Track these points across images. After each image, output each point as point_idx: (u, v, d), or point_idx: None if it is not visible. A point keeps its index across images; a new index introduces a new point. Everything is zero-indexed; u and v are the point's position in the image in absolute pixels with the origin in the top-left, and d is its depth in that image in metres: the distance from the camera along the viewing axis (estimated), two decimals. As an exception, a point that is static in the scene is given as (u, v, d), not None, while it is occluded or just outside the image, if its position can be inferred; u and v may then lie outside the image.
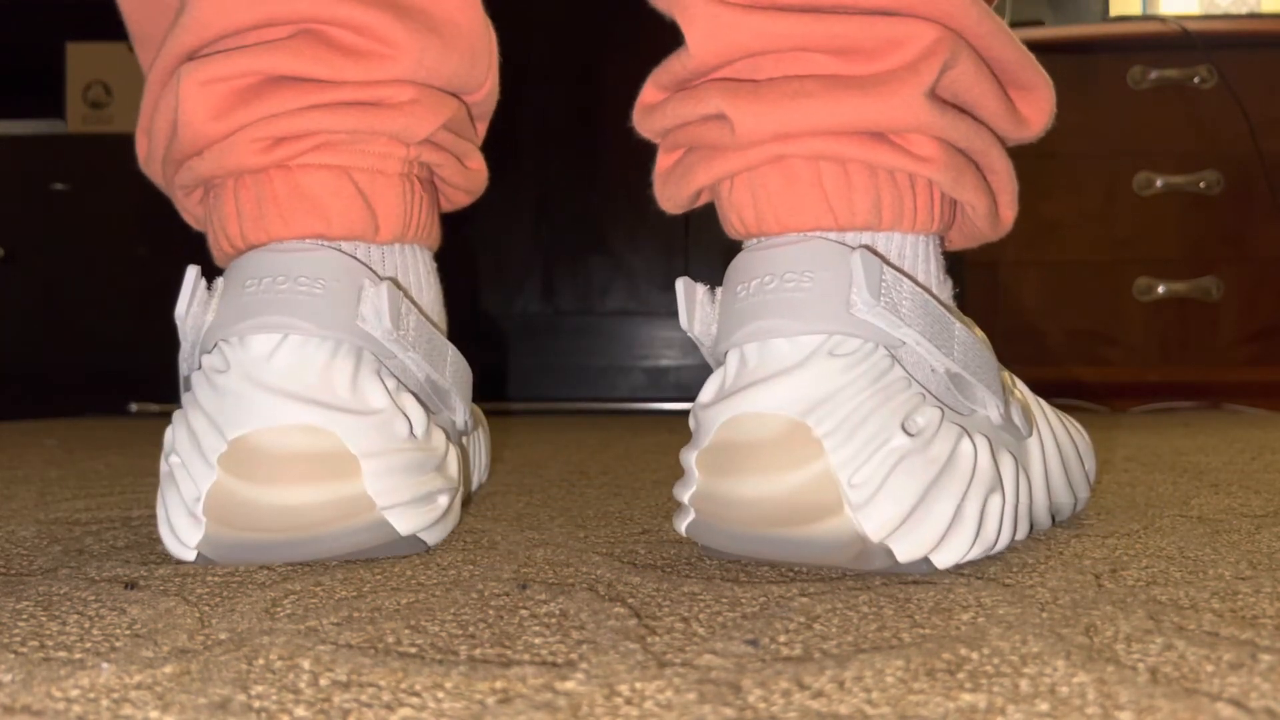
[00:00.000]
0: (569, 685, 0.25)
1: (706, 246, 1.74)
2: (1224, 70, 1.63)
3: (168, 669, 0.27)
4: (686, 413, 0.43)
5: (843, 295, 0.38)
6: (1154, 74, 1.64)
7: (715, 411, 0.39)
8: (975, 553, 0.38)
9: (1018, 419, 0.43)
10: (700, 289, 0.43)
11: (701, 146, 0.43)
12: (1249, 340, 1.67)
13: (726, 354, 0.40)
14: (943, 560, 0.38)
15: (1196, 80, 1.63)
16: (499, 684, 0.26)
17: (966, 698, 0.24)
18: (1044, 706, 0.24)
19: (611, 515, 0.53)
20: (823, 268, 0.39)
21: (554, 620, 0.32)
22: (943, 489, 0.37)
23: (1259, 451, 0.87)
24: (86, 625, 0.32)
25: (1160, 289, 1.62)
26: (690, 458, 0.41)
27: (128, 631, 0.31)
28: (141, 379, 1.88)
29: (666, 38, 0.45)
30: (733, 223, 0.43)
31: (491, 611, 0.33)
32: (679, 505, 0.43)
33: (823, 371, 0.37)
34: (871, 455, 0.37)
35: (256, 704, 0.24)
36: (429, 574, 0.39)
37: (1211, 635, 0.29)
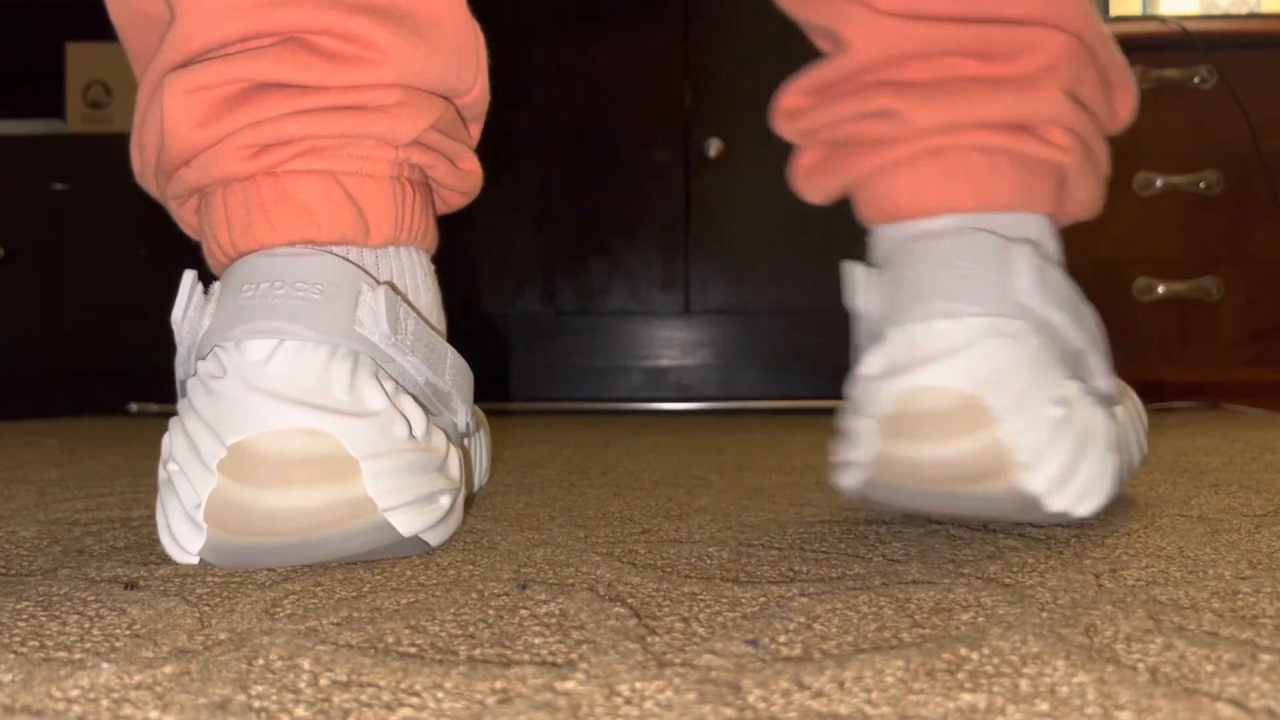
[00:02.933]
0: (569, 685, 0.25)
1: (707, 247, 1.74)
2: (1224, 70, 1.63)
3: (168, 669, 0.27)
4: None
5: (1003, 280, 0.44)
6: (1154, 74, 1.64)
7: (889, 384, 0.44)
8: (1102, 505, 0.44)
9: (1114, 387, 0.48)
10: (861, 269, 0.48)
11: (858, 142, 0.49)
12: (1249, 340, 1.67)
13: (891, 331, 0.45)
14: (1083, 511, 0.44)
15: (1196, 80, 1.64)
16: (499, 684, 0.26)
17: (966, 698, 0.24)
18: (1044, 706, 0.24)
19: (611, 515, 0.53)
20: (982, 256, 0.44)
21: (554, 620, 0.32)
22: (1086, 452, 0.43)
23: (1259, 451, 0.87)
24: (86, 625, 0.32)
25: (1160, 289, 1.62)
26: (863, 424, 0.45)
27: (128, 631, 0.31)
28: (141, 379, 1.88)
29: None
30: (886, 208, 0.49)
31: (491, 611, 0.33)
32: (846, 465, 0.47)
33: (990, 349, 0.43)
34: (1034, 423, 0.42)
35: (256, 704, 0.24)
36: (429, 574, 0.39)
37: (1211, 635, 0.29)
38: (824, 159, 0.51)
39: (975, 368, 0.42)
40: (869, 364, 0.45)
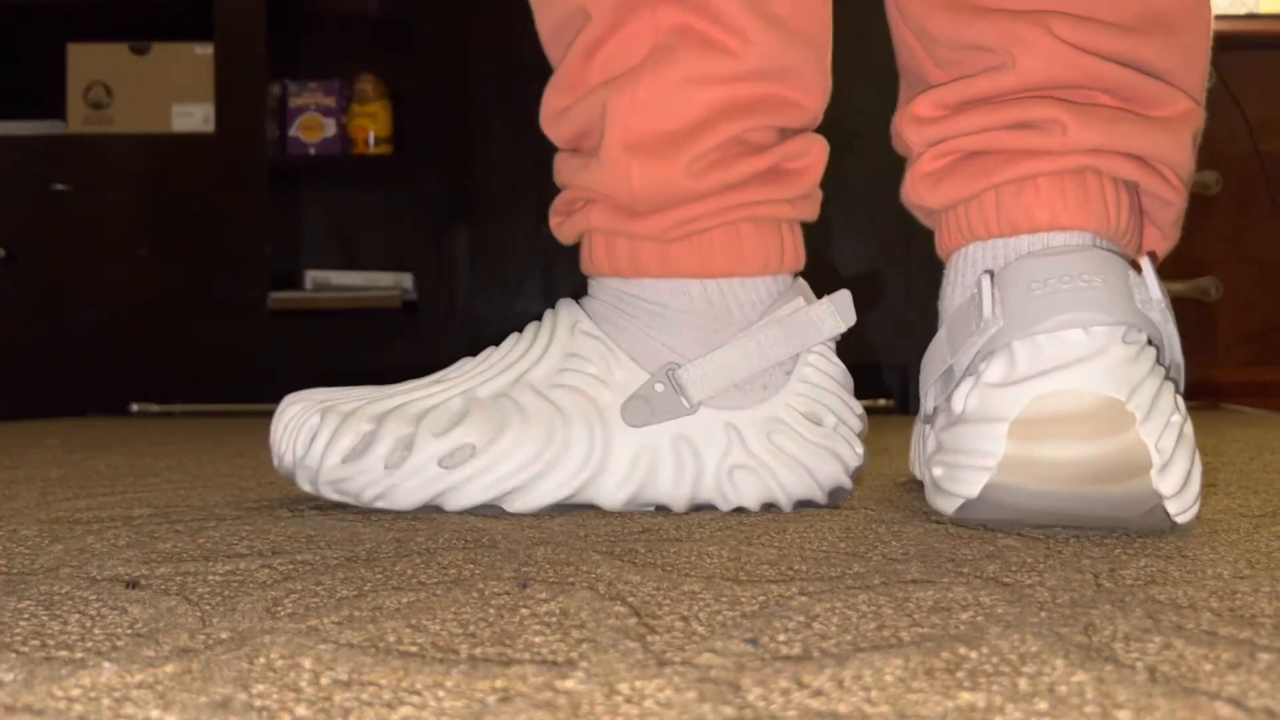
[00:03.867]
0: (569, 684, 0.26)
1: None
2: (1222, 71, 1.63)
3: (169, 668, 0.27)
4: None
5: (1127, 293, 0.47)
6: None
7: (1018, 390, 0.45)
8: (1197, 516, 0.48)
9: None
10: (988, 281, 0.49)
11: (1001, 150, 0.51)
12: (1247, 340, 1.67)
13: (1015, 343, 0.46)
14: (1187, 516, 0.46)
15: (1196, 81, 1.64)
16: (499, 683, 0.26)
17: (965, 696, 0.24)
18: (1043, 705, 0.24)
19: (611, 514, 0.53)
20: (1107, 269, 0.47)
21: (554, 619, 0.32)
22: (1195, 461, 0.46)
23: (1257, 451, 0.87)
24: (88, 624, 0.32)
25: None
26: (983, 430, 0.46)
27: (129, 630, 0.31)
28: (142, 379, 1.88)
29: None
30: (1017, 219, 0.51)
31: (492, 610, 0.33)
32: (955, 472, 0.47)
33: (1124, 356, 0.45)
34: (1165, 428, 0.44)
35: (258, 703, 0.24)
36: (429, 573, 0.39)
37: (1210, 634, 0.30)
38: (952, 165, 0.54)
39: (1113, 373, 0.44)
40: (990, 373, 0.46)
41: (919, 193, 0.55)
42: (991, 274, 0.49)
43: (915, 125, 0.55)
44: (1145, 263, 0.49)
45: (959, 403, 0.47)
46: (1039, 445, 0.45)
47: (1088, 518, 0.46)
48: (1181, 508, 0.45)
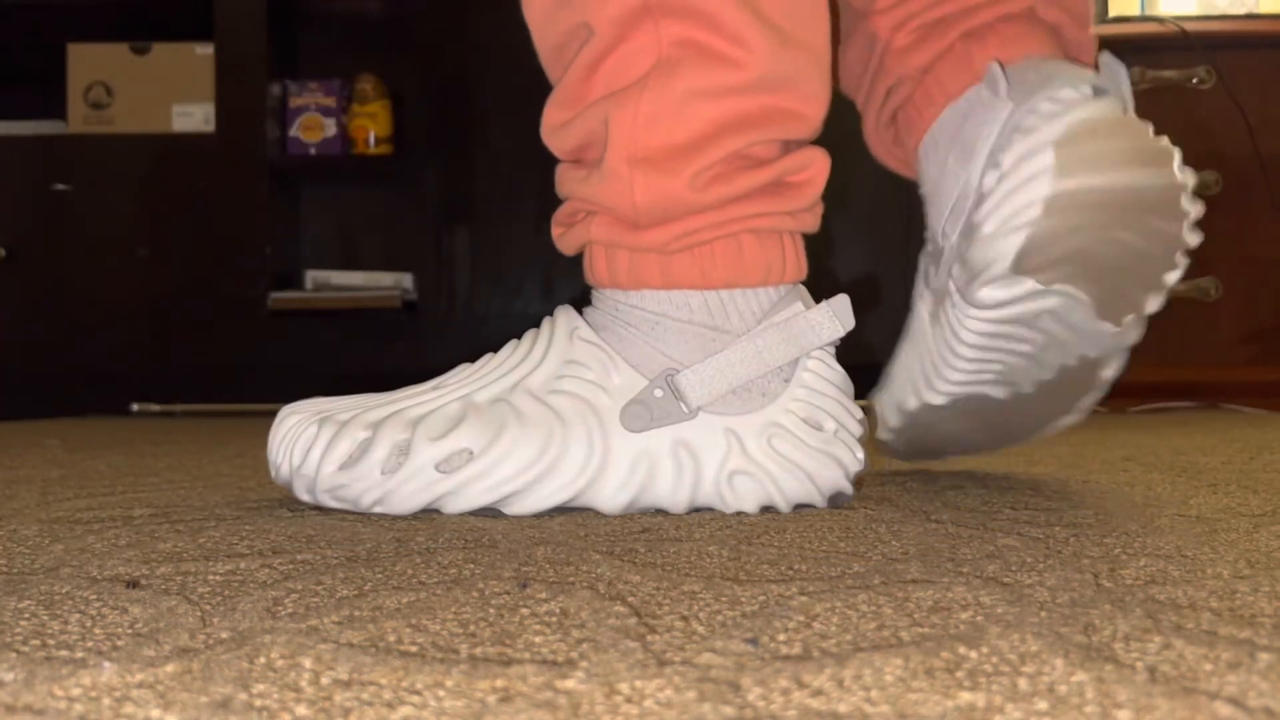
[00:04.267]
0: (569, 684, 0.26)
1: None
2: (1222, 71, 1.63)
3: (169, 668, 0.27)
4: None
5: (1092, 74, 0.57)
6: (1152, 75, 1.64)
7: (1044, 132, 0.54)
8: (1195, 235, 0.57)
9: None
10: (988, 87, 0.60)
11: (957, 11, 0.62)
12: (1247, 340, 1.67)
13: (1020, 123, 0.55)
14: (1195, 236, 0.56)
15: (1195, 81, 1.64)
16: (499, 682, 0.26)
17: (965, 696, 0.24)
18: (1043, 705, 0.24)
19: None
20: (1074, 64, 0.59)
21: (554, 619, 0.32)
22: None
23: (1257, 451, 0.87)
24: (88, 624, 0.32)
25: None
26: (1038, 158, 0.53)
27: (129, 630, 0.31)
28: (141, 379, 1.88)
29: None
30: (976, 61, 0.61)
31: (492, 610, 0.33)
32: (1027, 175, 0.54)
33: (1112, 99, 0.55)
34: (1172, 147, 0.54)
35: (258, 702, 0.24)
36: (430, 572, 0.39)
37: (1210, 634, 0.30)
38: (922, 35, 0.63)
39: (1118, 106, 0.55)
40: (1007, 160, 0.54)
41: (901, 64, 0.64)
42: (1001, 63, 0.58)
43: (881, 15, 0.64)
44: (1104, 57, 0.58)
45: (988, 208, 0.55)
46: (1081, 149, 0.53)
47: (1126, 242, 0.54)
48: (1197, 215, 0.55)
